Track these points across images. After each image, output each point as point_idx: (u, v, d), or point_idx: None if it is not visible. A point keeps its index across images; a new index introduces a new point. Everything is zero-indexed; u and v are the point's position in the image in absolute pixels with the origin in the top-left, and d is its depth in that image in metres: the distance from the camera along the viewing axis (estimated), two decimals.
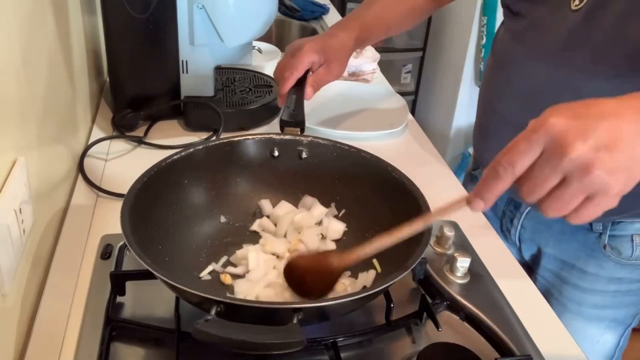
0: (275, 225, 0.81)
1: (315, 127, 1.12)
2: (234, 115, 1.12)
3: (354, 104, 1.28)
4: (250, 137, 0.83)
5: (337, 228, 0.80)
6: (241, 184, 0.83)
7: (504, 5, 0.95)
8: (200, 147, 0.80)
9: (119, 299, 0.71)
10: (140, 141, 1.08)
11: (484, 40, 2.37)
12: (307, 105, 0.97)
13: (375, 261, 0.72)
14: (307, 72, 1.00)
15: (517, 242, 1.02)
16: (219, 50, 1.09)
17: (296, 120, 0.92)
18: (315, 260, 0.68)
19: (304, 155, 0.83)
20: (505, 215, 1.02)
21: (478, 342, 0.69)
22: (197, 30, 1.05)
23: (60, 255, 0.80)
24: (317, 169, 0.82)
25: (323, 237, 0.80)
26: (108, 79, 1.21)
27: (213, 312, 0.55)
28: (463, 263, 0.76)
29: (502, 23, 0.98)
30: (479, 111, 1.02)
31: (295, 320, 0.54)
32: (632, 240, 0.89)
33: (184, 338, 0.64)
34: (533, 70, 0.87)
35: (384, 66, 1.49)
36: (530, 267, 1.02)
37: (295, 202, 0.84)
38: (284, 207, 0.83)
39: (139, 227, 0.66)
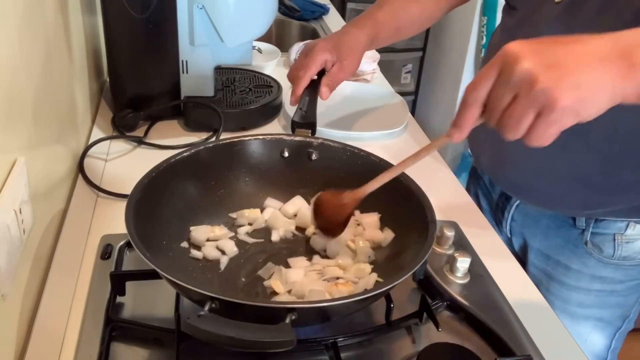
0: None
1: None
2: (234, 115, 1.12)
3: (354, 104, 1.28)
4: (261, 137, 0.83)
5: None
6: (250, 184, 0.83)
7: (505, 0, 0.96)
8: (211, 145, 0.80)
9: (119, 299, 0.71)
10: (140, 141, 1.08)
11: (484, 40, 2.37)
12: None
13: (376, 275, 0.72)
14: (322, 72, 1.00)
15: (509, 235, 1.03)
16: (219, 50, 1.09)
17: (307, 122, 0.92)
18: (334, 196, 0.74)
19: (314, 156, 0.83)
20: (498, 207, 1.03)
21: (478, 342, 0.69)
22: (197, 30, 1.05)
23: (60, 255, 0.80)
24: (326, 171, 0.82)
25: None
26: (108, 79, 1.21)
27: (207, 307, 0.55)
28: (463, 263, 0.76)
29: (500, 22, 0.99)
30: None
31: (287, 320, 0.54)
32: (614, 240, 0.90)
33: (184, 338, 0.64)
34: None
35: (384, 66, 1.49)
36: (523, 261, 1.03)
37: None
38: (296, 202, 0.83)
39: (144, 221, 0.66)
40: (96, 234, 0.82)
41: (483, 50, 2.39)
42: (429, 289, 0.75)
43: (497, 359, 0.65)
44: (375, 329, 0.69)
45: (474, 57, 2.45)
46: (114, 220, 0.86)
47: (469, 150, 2.44)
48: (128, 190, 0.69)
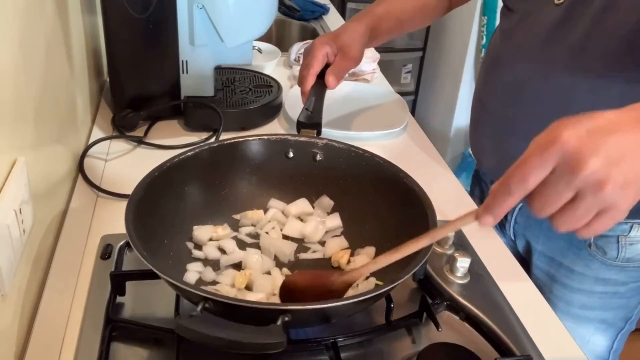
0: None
1: None
2: (234, 115, 1.12)
3: (354, 104, 1.28)
4: (265, 137, 0.83)
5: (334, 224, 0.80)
6: (254, 184, 0.83)
7: (503, 2, 0.96)
8: (215, 145, 0.80)
9: (119, 299, 0.71)
10: (140, 141, 1.08)
11: (484, 40, 2.37)
12: None
13: (375, 279, 0.71)
14: (327, 67, 1.00)
15: (513, 237, 1.03)
16: (219, 50, 1.09)
17: (313, 122, 0.92)
18: (315, 278, 0.66)
19: (319, 157, 0.83)
20: None
21: (478, 342, 0.69)
22: (197, 30, 1.05)
23: (60, 255, 0.80)
24: (331, 172, 0.82)
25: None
26: (108, 79, 1.21)
27: (199, 308, 0.55)
28: (463, 263, 0.76)
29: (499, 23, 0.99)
30: (473, 107, 1.03)
31: (279, 322, 0.53)
32: (618, 242, 0.89)
33: (184, 338, 0.64)
34: (517, 66, 0.88)
35: (384, 66, 1.49)
36: (527, 262, 1.03)
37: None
38: (300, 204, 0.83)
39: (145, 220, 0.66)
40: (96, 234, 0.82)
41: (483, 50, 2.38)
42: (429, 289, 0.75)
43: (497, 359, 0.65)
44: (375, 329, 0.69)
45: (474, 57, 2.45)
46: (114, 220, 0.86)
47: (469, 150, 2.45)
48: (128, 190, 0.69)
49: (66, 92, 0.96)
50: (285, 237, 0.80)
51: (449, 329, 0.71)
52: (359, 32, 1.02)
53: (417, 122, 1.26)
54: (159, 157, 0.76)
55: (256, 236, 0.79)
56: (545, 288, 0.98)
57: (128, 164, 1.02)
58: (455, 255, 0.77)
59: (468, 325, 0.72)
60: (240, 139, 0.82)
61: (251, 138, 0.82)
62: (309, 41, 1.07)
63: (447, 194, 1.01)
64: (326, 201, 0.83)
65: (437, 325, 0.70)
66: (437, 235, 0.60)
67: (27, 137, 0.73)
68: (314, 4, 1.91)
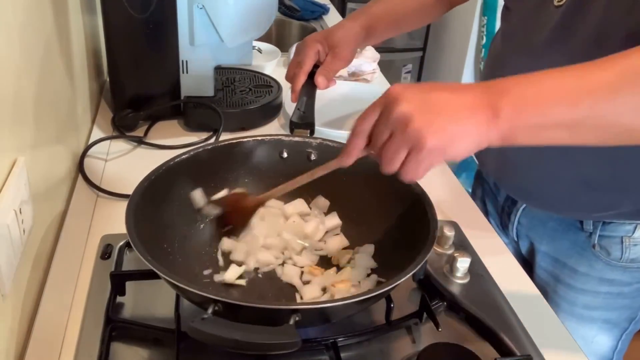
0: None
1: (315, 127, 1.12)
2: (234, 115, 1.12)
3: (354, 104, 1.28)
4: (259, 137, 0.83)
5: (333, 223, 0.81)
6: (249, 185, 0.83)
7: (504, 2, 0.96)
8: (209, 146, 0.80)
9: (119, 299, 0.71)
10: (140, 141, 1.08)
11: (484, 40, 2.37)
12: None
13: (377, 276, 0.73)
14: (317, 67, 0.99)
15: (516, 238, 1.03)
16: (219, 50, 1.09)
17: (306, 122, 0.92)
18: (239, 200, 0.77)
19: (313, 157, 0.83)
20: (504, 211, 1.03)
21: (478, 342, 0.69)
22: (197, 30, 1.05)
23: (60, 255, 0.80)
24: None
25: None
26: (108, 79, 1.21)
27: (210, 310, 0.55)
28: (463, 263, 0.76)
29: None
30: None
31: (292, 322, 0.54)
32: (622, 242, 0.89)
33: (184, 338, 0.64)
34: (517, 68, 0.87)
35: (384, 66, 1.49)
36: (530, 264, 1.02)
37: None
38: (297, 205, 0.83)
39: (144, 223, 0.66)
40: (96, 234, 0.82)
41: (483, 50, 2.39)
42: (429, 289, 0.75)
43: (497, 359, 0.66)
44: (375, 329, 0.69)
45: (474, 57, 2.45)
46: (114, 220, 0.86)
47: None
48: (128, 190, 0.69)
49: (66, 92, 0.96)
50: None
51: (449, 329, 0.71)
52: (353, 32, 1.02)
53: None
54: (159, 157, 0.76)
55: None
56: (548, 288, 0.98)
57: (128, 164, 1.02)
58: (455, 255, 0.76)
59: (468, 325, 0.72)
60: (234, 140, 0.82)
61: (245, 139, 0.82)
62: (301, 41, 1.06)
63: (447, 193, 1.01)
64: (322, 201, 0.83)
65: (437, 325, 0.70)
66: (315, 174, 0.69)
67: (27, 137, 0.73)
68: (314, 4, 1.91)
